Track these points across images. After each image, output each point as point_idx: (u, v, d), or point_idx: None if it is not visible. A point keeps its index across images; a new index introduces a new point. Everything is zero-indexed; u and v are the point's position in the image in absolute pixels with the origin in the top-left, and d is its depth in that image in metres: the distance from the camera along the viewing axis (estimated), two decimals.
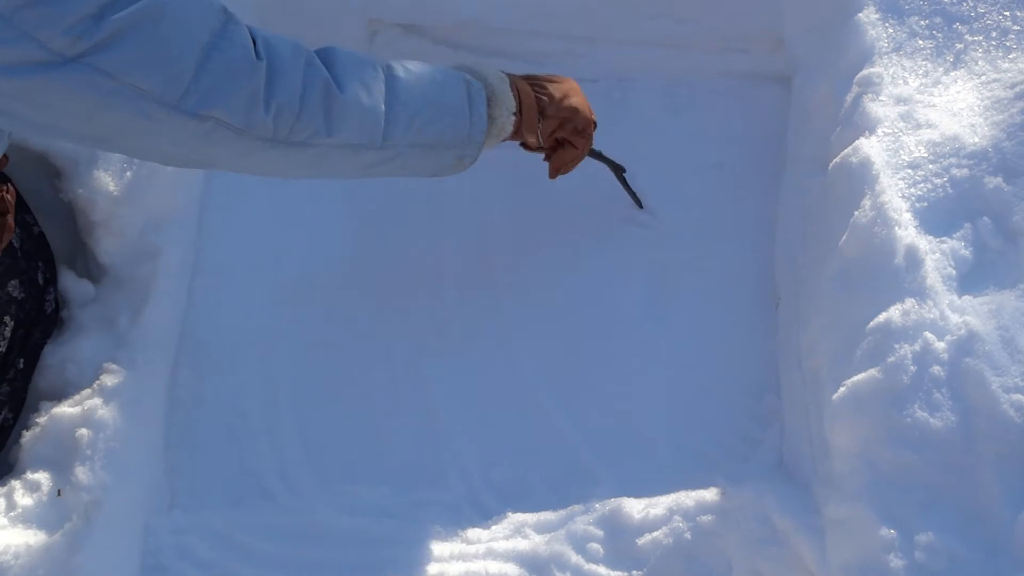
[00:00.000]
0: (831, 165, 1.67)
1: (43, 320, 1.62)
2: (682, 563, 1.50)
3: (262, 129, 1.21)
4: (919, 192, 1.52)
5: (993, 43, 1.65)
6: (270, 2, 2.01)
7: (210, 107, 1.15)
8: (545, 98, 1.55)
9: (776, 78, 2.05)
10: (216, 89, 1.14)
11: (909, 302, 1.42)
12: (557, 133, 1.61)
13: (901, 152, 1.56)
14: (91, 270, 1.70)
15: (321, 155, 1.30)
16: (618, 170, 1.89)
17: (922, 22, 1.71)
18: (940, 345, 1.38)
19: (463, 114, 1.43)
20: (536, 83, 1.56)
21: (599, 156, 1.81)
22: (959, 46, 1.66)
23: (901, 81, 1.65)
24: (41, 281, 1.61)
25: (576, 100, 1.60)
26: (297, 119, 1.24)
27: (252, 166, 1.29)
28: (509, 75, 1.52)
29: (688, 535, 1.51)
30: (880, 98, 1.64)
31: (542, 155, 1.67)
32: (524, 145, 1.60)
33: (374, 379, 1.80)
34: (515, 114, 1.50)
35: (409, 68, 1.38)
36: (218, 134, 1.18)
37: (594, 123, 1.65)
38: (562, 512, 1.59)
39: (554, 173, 1.69)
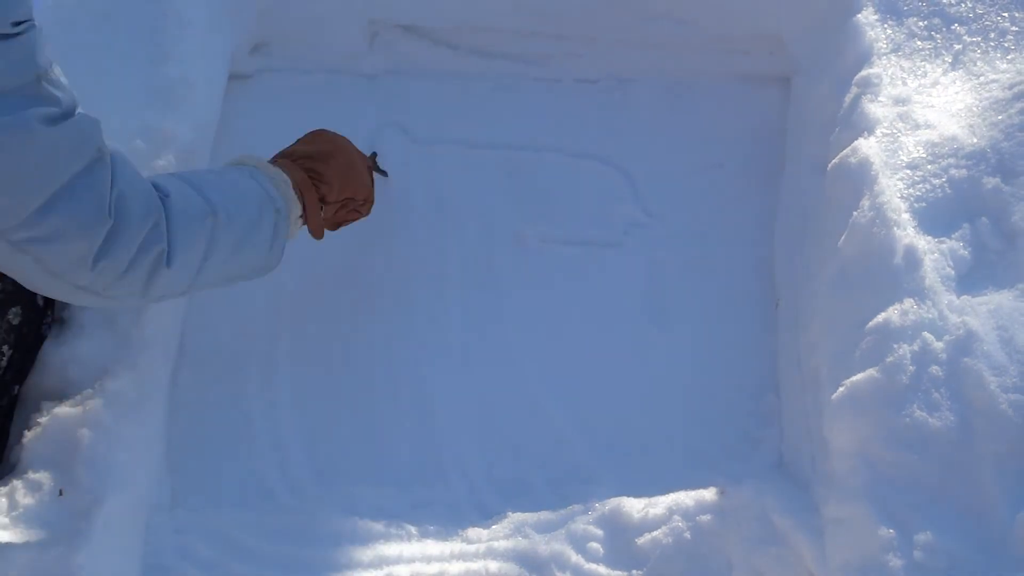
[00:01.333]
0: (830, 165, 1.67)
1: (40, 344, 1.62)
2: (682, 562, 1.51)
3: (78, 280, 1.17)
4: (918, 192, 1.52)
5: (991, 44, 1.65)
6: (271, 3, 2.01)
7: (36, 246, 1.10)
8: (325, 187, 1.52)
9: (776, 79, 2.06)
10: (51, 235, 1.10)
11: (908, 302, 1.43)
12: (339, 214, 1.60)
13: (900, 152, 1.56)
14: None
15: (124, 304, 1.31)
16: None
17: (921, 23, 1.71)
18: (939, 345, 1.38)
19: (266, 252, 1.42)
20: (313, 171, 1.51)
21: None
22: (957, 47, 1.67)
23: (900, 82, 1.66)
24: (41, 303, 1.61)
25: (355, 178, 1.58)
26: (117, 280, 1.20)
27: (56, 295, 1.23)
28: (289, 171, 1.47)
29: (688, 535, 1.51)
30: (879, 99, 1.64)
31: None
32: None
33: (374, 379, 1.80)
34: (300, 216, 1.48)
35: (233, 214, 1.32)
36: (31, 268, 1.13)
37: (370, 194, 1.66)
38: (562, 512, 1.59)
39: (320, 234, 1.63)
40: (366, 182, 1.62)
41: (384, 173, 1.94)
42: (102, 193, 1.13)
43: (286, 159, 1.51)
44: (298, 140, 1.59)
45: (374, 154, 1.93)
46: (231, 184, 1.36)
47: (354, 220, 1.67)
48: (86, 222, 1.12)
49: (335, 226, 1.66)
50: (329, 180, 1.51)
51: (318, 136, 1.59)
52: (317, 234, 1.53)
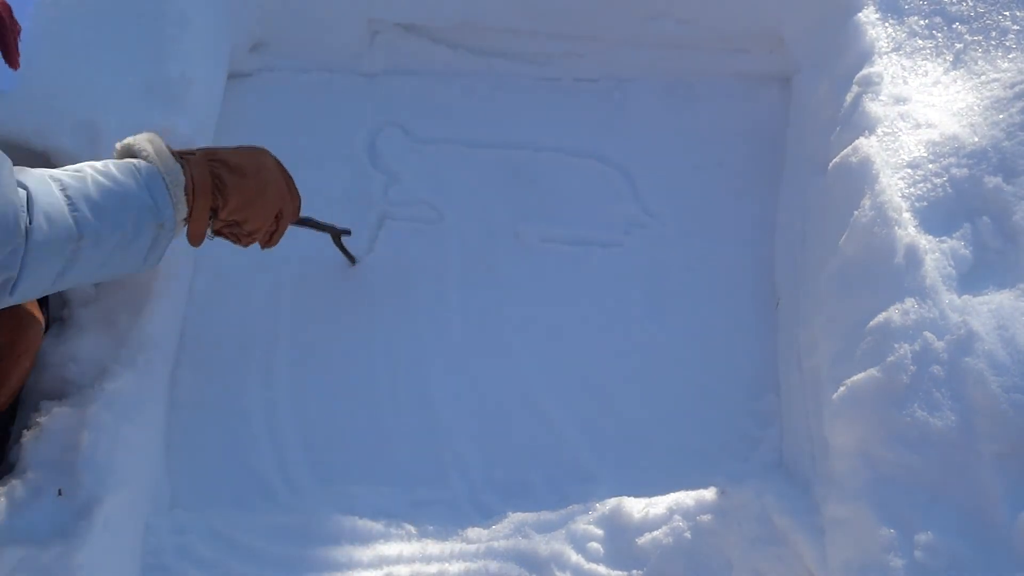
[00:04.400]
0: (831, 165, 1.67)
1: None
2: (682, 562, 1.51)
3: None
4: (919, 192, 1.52)
5: (992, 43, 1.65)
6: (271, 3, 2.01)
7: None
8: (221, 199, 1.42)
9: (776, 78, 2.06)
10: None
11: (909, 302, 1.43)
12: (222, 232, 1.48)
13: (901, 152, 1.56)
14: None
15: None
16: (336, 233, 1.81)
17: (922, 22, 1.71)
18: (940, 344, 1.38)
19: (138, 262, 1.37)
20: (219, 178, 1.41)
21: (312, 224, 1.71)
22: (959, 46, 1.67)
23: (901, 81, 1.66)
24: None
25: (254, 206, 1.45)
26: None
27: None
28: (188, 169, 1.38)
29: (688, 534, 1.51)
30: (880, 98, 1.64)
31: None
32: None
33: (374, 379, 1.80)
34: (185, 220, 1.40)
35: (102, 236, 1.28)
36: None
37: (260, 232, 1.50)
38: (562, 511, 1.59)
39: (264, 245, 1.56)
40: (264, 216, 1.48)
41: (351, 259, 1.87)
42: None
43: (201, 155, 1.42)
44: (235, 147, 1.49)
45: (346, 231, 1.82)
46: (117, 199, 1.31)
47: (235, 242, 1.52)
48: None
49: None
50: (228, 194, 1.41)
51: (253, 154, 1.48)
52: (194, 241, 1.43)
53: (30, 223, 1.21)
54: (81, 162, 1.62)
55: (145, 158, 1.36)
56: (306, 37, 2.06)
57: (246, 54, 2.05)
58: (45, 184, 1.25)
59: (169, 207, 1.35)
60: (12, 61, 1.47)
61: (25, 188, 1.22)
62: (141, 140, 1.38)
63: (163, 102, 1.70)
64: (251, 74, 2.07)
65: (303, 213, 1.61)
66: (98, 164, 1.32)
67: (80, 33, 1.71)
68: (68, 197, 1.26)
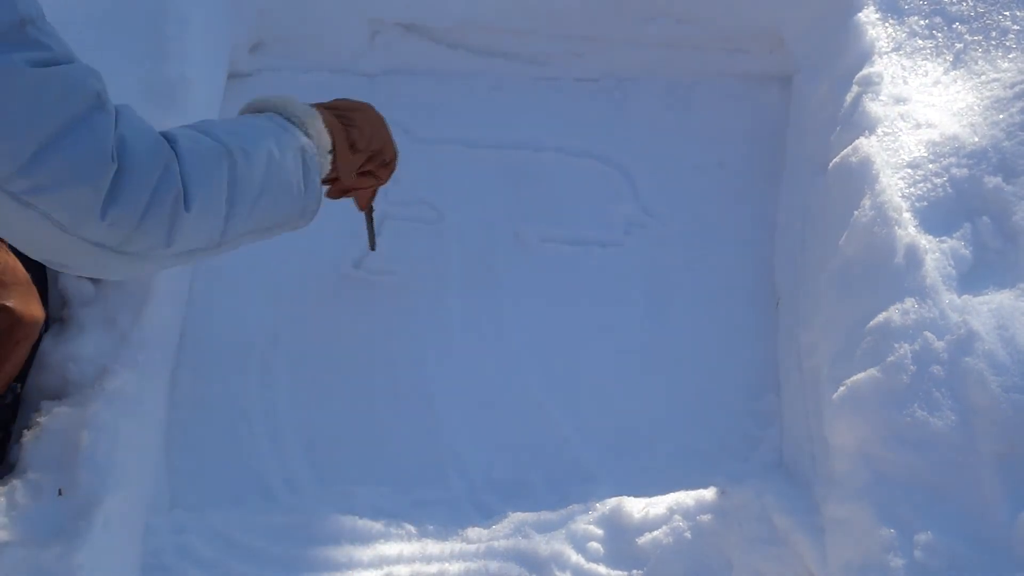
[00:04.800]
0: (831, 165, 1.67)
1: (40, 343, 1.60)
2: (682, 562, 1.50)
3: (91, 234, 1.10)
4: (919, 192, 1.52)
5: (993, 43, 1.65)
6: (271, 2, 2.01)
7: (38, 196, 1.04)
8: (356, 131, 1.47)
9: (776, 78, 2.06)
10: (52, 182, 1.04)
11: (909, 301, 1.42)
12: (364, 166, 1.54)
13: (901, 152, 1.56)
14: None
15: (151, 263, 1.20)
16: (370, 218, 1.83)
17: (922, 22, 1.71)
18: (940, 344, 1.38)
19: (299, 191, 1.34)
20: (344, 117, 1.46)
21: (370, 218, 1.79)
22: (959, 46, 1.67)
23: (901, 81, 1.66)
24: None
25: (383, 132, 1.54)
26: (135, 231, 1.13)
27: (75, 261, 1.15)
28: (319, 110, 1.43)
29: (688, 534, 1.51)
30: (880, 98, 1.64)
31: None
32: (329, 179, 1.49)
33: (374, 379, 1.80)
34: (330, 152, 1.42)
35: (249, 151, 1.25)
36: (41, 226, 1.07)
37: (396, 154, 1.59)
38: (562, 511, 1.59)
39: (365, 203, 1.65)
40: (392, 142, 1.56)
41: (372, 245, 1.86)
42: (102, 138, 1.07)
43: (315, 104, 1.46)
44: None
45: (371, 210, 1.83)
46: (246, 125, 1.31)
47: (379, 177, 1.58)
48: (87, 167, 1.06)
49: (355, 192, 1.59)
50: (360, 126, 1.46)
51: (344, 100, 1.52)
52: (346, 176, 1.46)
53: (176, 142, 1.18)
54: None
55: (267, 108, 1.38)
56: (306, 37, 2.06)
57: (246, 54, 2.05)
58: (175, 128, 1.23)
59: (302, 134, 1.35)
60: None
61: (178, 157, 1.18)
62: (259, 97, 1.40)
63: (163, 102, 1.70)
64: (251, 74, 2.07)
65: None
66: (269, 143, 1.31)
67: (79, 33, 1.70)
68: (200, 128, 1.25)
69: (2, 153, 1.01)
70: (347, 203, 1.95)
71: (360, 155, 1.49)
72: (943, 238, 1.47)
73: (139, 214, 1.12)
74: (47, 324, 1.63)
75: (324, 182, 1.46)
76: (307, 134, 1.37)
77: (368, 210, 1.75)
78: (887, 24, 1.73)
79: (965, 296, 1.42)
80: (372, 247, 1.86)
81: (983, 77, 1.61)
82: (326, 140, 1.41)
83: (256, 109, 1.40)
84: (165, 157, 1.15)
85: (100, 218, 1.09)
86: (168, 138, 1.19)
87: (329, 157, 1.42)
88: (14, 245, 1.14)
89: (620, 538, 1.55)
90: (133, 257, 1.16)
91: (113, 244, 1.13)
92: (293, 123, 1.37)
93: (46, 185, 1.04)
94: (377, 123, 1.53)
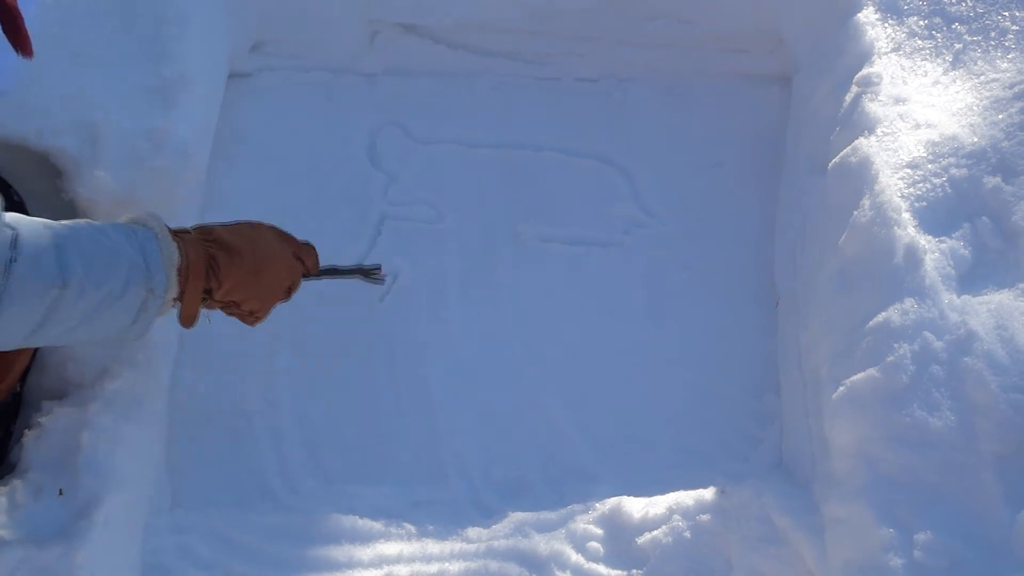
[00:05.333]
0: (830, 165, 1.67)
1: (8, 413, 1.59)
2: (682, 562, 1.51)
3: None
4: (918, 192, 1.52)
5: (992, 43, 1.65)
6: (271, 3, 2.01)
7: None
8: (214, 281, 1.39)
9: (776, 78, 2.06)
10: None
11: (908, 302, 1.43)
12: (231, 309, 1.46)
13: (900, 152, 1.56)
14: None
15: None
16: (365, 272, 1.76)
17: (921, 22, 1.71)
18: (939, 344, 1.38)
19: (125, 324, 1.31)
20: (213, 259, 1.39)
21: (336, 273, 1.70)
22: (958, 46, 1.67)
23: (900, 81, 1.66)
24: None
25: (250, 287, 1.42)
26: None
27: None
28: (184, 249, 1.35)
29: (688, 534, 1.51)
30: (879, 98, 1.64)
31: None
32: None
33: (375, 379, 1.80)
34: (175, 300, 1.36)
35: (85, 288, 1.23)
36: None
37: (261, 311, 1.48)
38: (562, 511, 1.59)
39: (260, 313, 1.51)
40: (262, 297, 1.46)
41: (380, 280, 1.77)
42: None
43: (198, 233, 1.40)
44: (233, 223, 1.46)
45: (376, 267, 1.76)
46: (109, 253, 1.27)
47: (241, 320, 1.50)
48: None
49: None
50: (223, 277, 1.39)
51: (250, 231, 1.45)
52: (186, 322, 1.39)
53: (14, 261, 1.17)
54: (81, 162, 1.62)
55: (144, 225, 1.33)
56: (306, 37, 2.06)
57: (246, 54, 2.05)
58: (36, 226, 1.22)
59: (162, 274, 1.31)
60: (25, 48, 1.39)
61: (14, 229, 1.19)
62: (142, 214, 1.35)
63: (163, 102, 1.70)
64: (251, 74, 2.07)
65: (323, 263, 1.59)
66: (95, 221, 1.29)
67: (80, 33, 1.71)
68: (58, 242, 1.22)
69: None
70: (347, 204, 1.96)
71: (215, 302, 1.42)
72: (942, 238, 1.47)
73: None
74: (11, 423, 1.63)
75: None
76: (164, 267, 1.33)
77: (325, 273, 1.66)
78: (886, 25, 1.73)
79: (964, 296, 1.43)
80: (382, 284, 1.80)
81: (982, 77, 1.61)
82: (173, 290, 1.34)
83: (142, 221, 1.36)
84: None
85: None
86: (16, 248, 1.18)
87: (173, 303, 1.37)
88: None
89: (620, 538, 1.55)
90: None
91: None
92: (159, 249, 1.32)
93: None
94: (249, 276, 1.42)
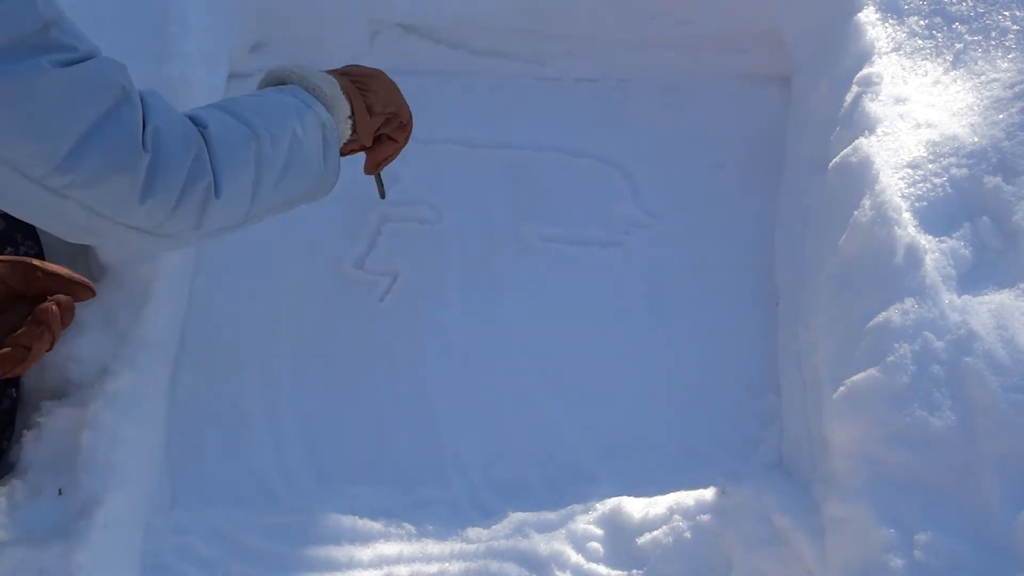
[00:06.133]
0: (831, 165, 1.67)
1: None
2: (682, 562, 1.50)
3: (129, 219, 1.16)
4: (919, 192, 1.52)
5: (992, 43, 1.65)
6: (271, 3, 2.01)
7: (76, 191, 1.09)
8: (371, 95, 1.51)
9: (776, 78, 2.06)
10: (88, 177, 1.09)
11: (909, 301, 1.43)
12: (382, 129, 1.57)
13: (901, 152, 1.56)
14: (92, 269, 1.70)
15: (180, 242, 1.28)
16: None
17: (921, 22, 1.71)
18: (940, 344, 1.38)
19: (319, 167, 1.39)
20: (359, 82, 1.50)
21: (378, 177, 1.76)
22: (958, 46, 1.67)
23: (900, 81, 1.66)
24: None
25: (397, 95, 1.57)
26: (168, 218, 1.19)
27: (108, 239, 1.21)
28: (336, 77, 1.47)
29: (688, 534, 1.51)
30: (879, 98, 1.64)
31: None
32: (347, 146, 1.52)
33: (374, 379, 1.80)
34: (350, 117, 1.46)
35: (275, 133, 1.30)
36: (78, 214, 1.12)
37: (411, 116, 1.62)
38: (562, 511, 1.59)
39: (374, 168, 1.64)
40: (407, 105, 1.60)
41: (382, 194, 1.80)
42: (132, 131, 1.11)
43: (330, 71, 1.50)
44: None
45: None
46: (272, 104, 1.34)
47: (396, 140, 1.61)
48: (122, 160, 1.11)
49: (374, 164, 1.63)
50: (375, 90, 1.50)
51: (357, 66, 1.56)
52: (365, 139, 1.51)
53: (207, 128, 1.22)
54: None
55: (287, 78, 1.41)
56: (306, 37, 2.06)
57: (246, 54, 2.05)
58: (204, 108, 1.28)
59: (323, 109, 1.38)
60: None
61: (208, 143, 1.23)
62: (278, 66, 1.44)
63: None
64: (251, 75, 2.07)
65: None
66: (292, 122, 1.35)
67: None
68: (228, 108, 1.29)
69: (37, 154, 1.05)
70: (347, 204, 1.96)
71: (377, 117, 1.52)
72: (943, 238, 1.47)
73: (173, 202, 1.17)
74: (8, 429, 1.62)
75: (343, 147, 1.50)
76: (327, 104, 1.42)
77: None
78: (887, 24, 1.73)
79: (965, 296, 1.43)
80: (382, 196, 1.80)
81: (983, 77, 1.61)
82: (345, 106, 1.44)
83: (277, 79, 1.44)
84: (196, 146, 1.19)
85: (138, 204, 1.14)
86: (197, 122, 1.23)
87: (349, 123, 1.46)
88: (47, 230, 1.20)
89: (620, 538, 1.55)
90: (164, 238, 1.23)
91: (148, 227, 1.19)
92: (314, 95, 1.41)
93: (83, 180, 1.09)
94: (390, 87, 1.56)
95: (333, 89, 1.43)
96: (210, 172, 1.21)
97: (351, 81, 1.49)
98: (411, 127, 1.63)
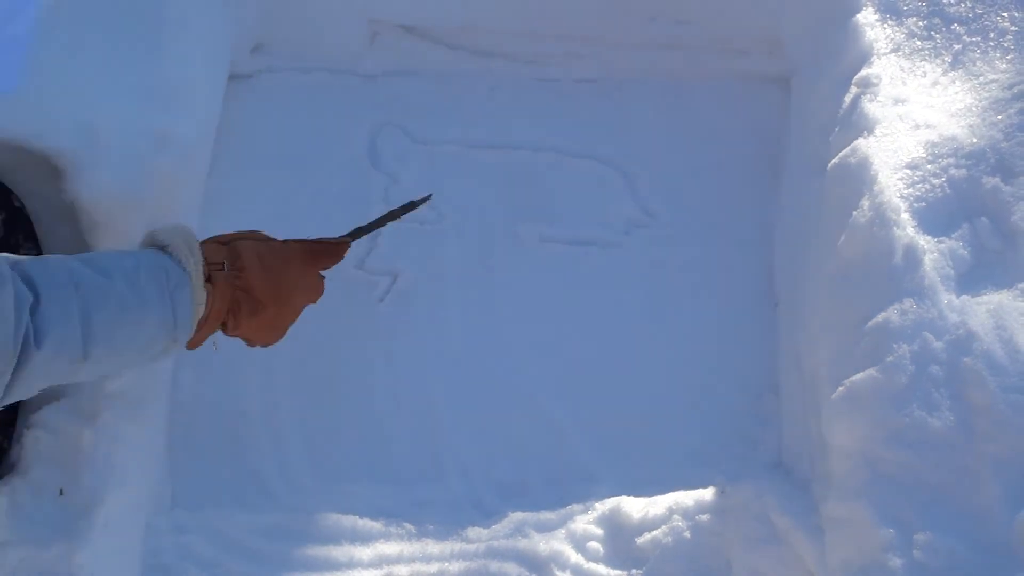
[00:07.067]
0: (830, 166, 1.68)
1: None
2: (681, 562, 1.51)
3: None
4: (917, 192, 1.52)
5: (991, 44, 1.65)
6: (271, 3, 2.01)
7: None
8: (232, 321, 1.35)
9: (775, 79, 2.06)
10: None
11: (908, 302, 1.43)
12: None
13: (899, 152, 1.56)
14: None
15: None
16: (402, 211, 1.65)
17: (920, 23, 1.71)
18: (939, 345, 1.39)
19: (140, 366, 1.26)
20: (235, 302, 1.34)
21: (371, 228, 1.61)
22: (957, 47, 1.67)
23: (899, 82, 1.66)
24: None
25: (262, 333, 1.40)
26: None
27: None
28: (212, 293, 1.29)
29: (687, 534, 1.52)
30: (878, 99, 1.64)
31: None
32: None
33: (374, 379, 1.80)
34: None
35: (99, 357, 1.14)
36: None
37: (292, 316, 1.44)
38: (562, 511, 1.59)
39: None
40: (269, 340, 1.44)
41: (413, 205, 1.66)
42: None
43: (230, 259, 1.33)
44: (268, 248, 1.41)
45: (426, 198, 1.66)
46: (136, 318, 1.18)
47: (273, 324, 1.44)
48: None
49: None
50: (241, 322, 1.36)
51: (282, 269, 1.40)
52: (191, 347, 1.33)
53: (38, 347, 1.06)
54: (82, 163, 1.61)
55: (178, 259, 1.25)
56: (306, 38, 2.07)
57: (247, 55, 2.06)
58: (65, 296, 1.11)
59: (188, 325, 1.25)
60: None
61: (36, 296, 1.07)
62: (180, 246, 1.26)
63: (163, 104, 1.70)
64: (252, 75, 2.07)
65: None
66: (129, 262, 1.20)
67: (80, 35, 1.71)
68: (84, 310, 1.12)
69: None
70: (347, 204, 1.96)
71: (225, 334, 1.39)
72: (941, 239, 1.48)
73: None
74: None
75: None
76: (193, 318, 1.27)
77: (361, 232, 1.60)
78: (885, 25, 1.73)
79: (964, 296, 1.43)
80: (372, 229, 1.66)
81: (981, 78, 1.61)
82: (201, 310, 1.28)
83: (150, 243, 1.28)
84: (26, 303, 1.06)
85: None
86: (39, 337, 1.07)
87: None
88: None
89: (620, 538, 1.55)
90: None
91: None
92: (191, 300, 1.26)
93: None
94: (265, 327, 1.39)
95: (195, 319, 1.26)
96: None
97: (232, 299, 1.33)
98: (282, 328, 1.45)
